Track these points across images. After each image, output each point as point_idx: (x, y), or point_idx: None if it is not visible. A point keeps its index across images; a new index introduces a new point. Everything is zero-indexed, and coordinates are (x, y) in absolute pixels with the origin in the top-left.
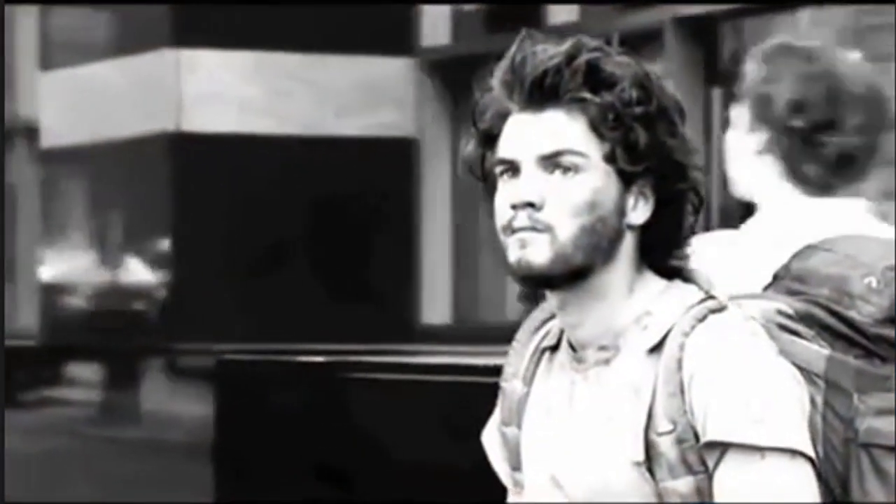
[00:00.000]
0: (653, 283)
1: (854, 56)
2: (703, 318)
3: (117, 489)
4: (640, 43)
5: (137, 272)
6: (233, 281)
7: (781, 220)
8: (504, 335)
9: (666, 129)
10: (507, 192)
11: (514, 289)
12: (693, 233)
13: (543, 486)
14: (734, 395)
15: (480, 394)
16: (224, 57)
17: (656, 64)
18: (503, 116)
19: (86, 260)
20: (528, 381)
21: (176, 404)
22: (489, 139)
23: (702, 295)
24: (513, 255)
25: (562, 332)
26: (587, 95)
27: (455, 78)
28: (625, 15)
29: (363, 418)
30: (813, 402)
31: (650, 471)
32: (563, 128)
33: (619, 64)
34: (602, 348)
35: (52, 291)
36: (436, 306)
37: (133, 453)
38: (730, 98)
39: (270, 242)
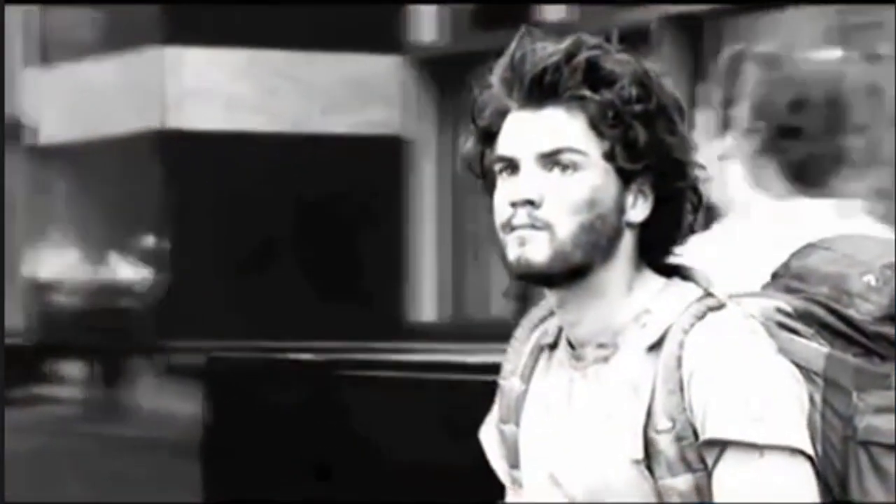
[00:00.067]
0: (652, 281)
1: (819, 57)
2: (702, 316)
3: (107, 487)
4: (628, 41)
5: (126, 270)
6: (221, 278)
7: (761, 222)
8: (491, 332)
9: (665, 127)
10: (506, 190)
11: (500, 286)
12: (692, 231)
13: (542, 484)
14: (733, 393)
15: (471, 391)
16: (212, 55)
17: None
18: (502, 114)
19: (75, 258)
20: (527, 378)
21: (165, 402)
22: (488, 137)
23: (701, 293)
24: (512, 252)
25: (560, 330)
26: (587, 93)
27: (443, 76)
28: (614, 13)
29: (354, 416)
30: (812, 400)
31: (649, 469)
32: (562, 126)
33: (618, 62)
34: (601, 346)
35: (40, 289)
36: (423, 303)
37: (123, 451)
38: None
39: (259, 240)
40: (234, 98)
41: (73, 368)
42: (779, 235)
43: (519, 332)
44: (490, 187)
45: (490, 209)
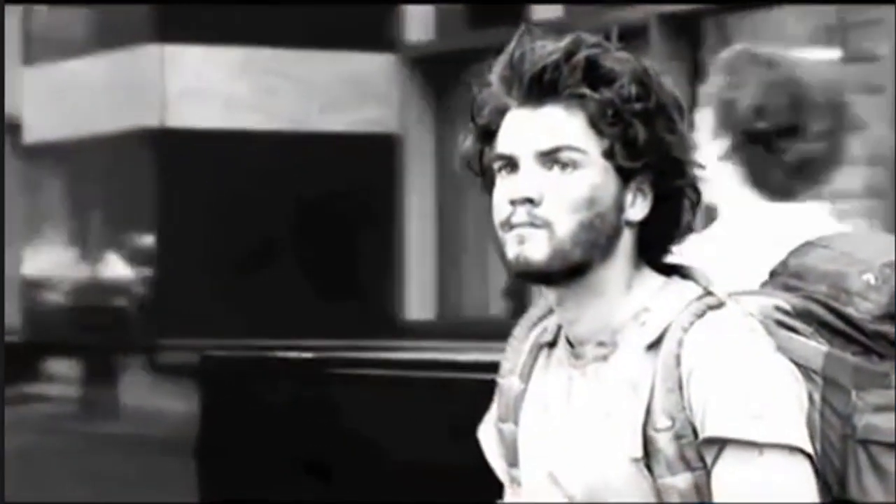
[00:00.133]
0: (651, 279)
1: (816, 60)
2: (701, 315)
3: (100, 487)
4: (623, 40)
5: (121, 269)
6: (217, 277)
7: (743, 224)
8: (487, 331)
9: (665, 126)
10: (505, 188)
11: (497, 285)
12: (691, 229)
13: (541, 482)
14: (733, 391)
15: (468, 390)
16: (208, 52)
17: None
18: (501, 112)
19: (69, 256)
20: (526, 377)
21: (160, 401)
22: (487, 134)
23: (700, 291)
24: (511, 250)
25: (559, 329)
26: (586, 91)
27: (439, 74)
28: (609, 12)
29: (349, 415)
30: (811, 398)
31: (648, 467)
32: (561, 124)
33: (618, 60)
34: (600, 344)
35: (34, 288)
36: (419, 302)
37: (115, 450)
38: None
39: (254, 238)
40: (231, 96)
41: (63, 367)
42: (772, 236)
43: (518, 331)
44: (489, 185)
45: (489, 207)
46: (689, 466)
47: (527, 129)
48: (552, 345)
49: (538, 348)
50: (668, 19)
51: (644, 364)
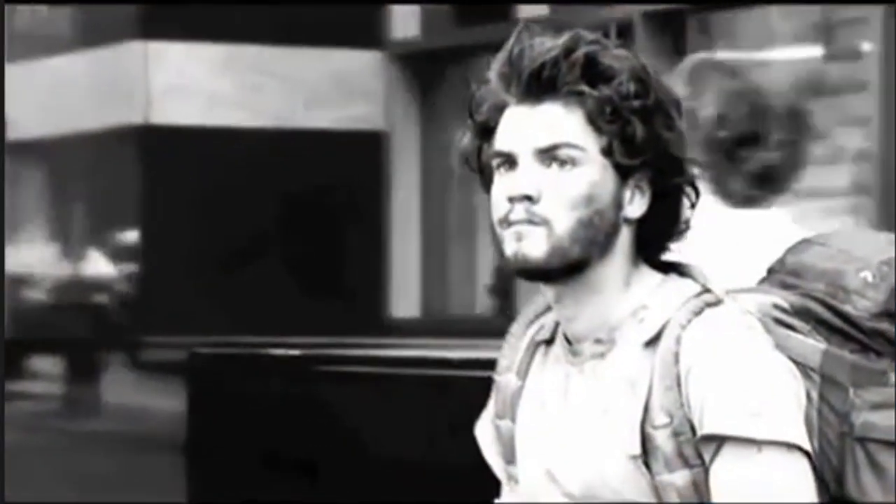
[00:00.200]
0: (649, 276)
1: (785, 62)
2: (699, 312)
3: (84, 486)
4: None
5: (106, 266)
6: (201, 274)
7: (705, 231)
8: (472, 328)
9: (663, 123)
10: (503, 185)
11: (482, 282)
12: (689, 227)
13: (538, 479)
14: (731, 388)
15: (456, 387)
16: (192, 50)
17: None
18: (500, 109)
19: (53, 253)
20: (523, 374)
21: (145, 398)
22: (486, 131)
23: (698, 289)
24: (509, 248)
25: (556, 326)
26: (585, 88)
27: (424, 71)
28: (592, 10)
29: (336, 412)
30: (808, 396)
31: (646, 464)
32: (560, 121)
33: (616, 57)
34: (598, 342)
35: (17, 285)
36: (404, 299)
37: (103, 449)
38: None
39: (239, 236)
40: (215, 93)
41: (47, 364)
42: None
43: (515, 328)
44: (487, 183)
45: (474, 204)
46: (687, 464)
47: (525, 126)
48: (549, 342)
49: (535, 345)
50: (652, 17)
51: (642, 361)
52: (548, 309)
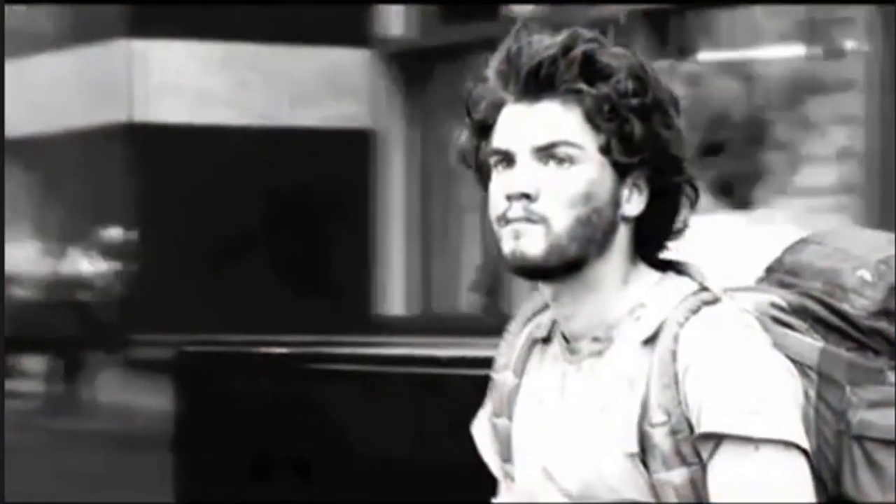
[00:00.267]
0: (647, 275)
1: (731, 81)
2: (697, 310)
3: (72, 485)
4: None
5: (94, 264)
6: (190, 272)
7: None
8: (457, 326)
9: (661, 121)
10: (501, 183)
11: (467, 280)
12: (687, 226)
13: (535, 477)
14: (729, 386)
15: (445, 385)
16: (180, 48)
17: None
18: (498, 107)
19: (40, 252)
20: (520, 372)
21: (134, 397)
22: (484, 129)
23: (696, 287)
24: (507, 246)
25: (553, 324)
26: (583, 86)
27: (413, 69)
28: (581, 8)
29: (325, 411)
30: (806, 394)
31: (643, 462)
32: (558, 119)
33: (614, 55)
34: (595, 340)
35: (6, 283)
36: (390, 297)
37: (85, 446)
38: None
39: (227, 234)
40: (204, 91)
41: (35, 363)
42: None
43: (512, 326)
44: (485, 181)
45: (463, 202)
46: (684, 462)
47: (523, 124)
48: (547, 340)
49: (532, 343)
50: (640, 16)
51: (639, 359)
52: (545, 307)
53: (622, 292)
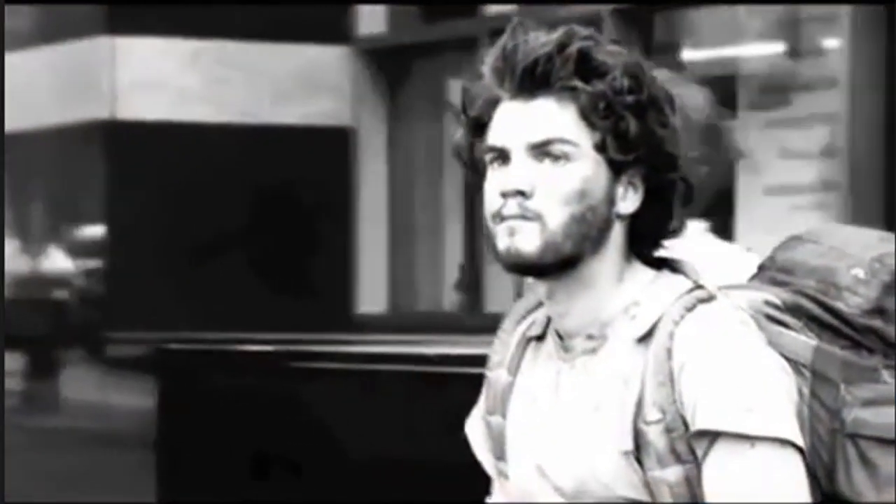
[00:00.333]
0: (641, 272)
1: (695, 86)
2: (692, 308)
3: (50, 484)
4: None
5: (72, 262)
6: (169, 270)
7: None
8: (440, 324)
9: (656, 119)
10: (496, 180)
11: (450, 278)
12: (683, 224)
13: (529, 475)
14: (724, 384)
15: (431, 383)
16: (159, 44)
17: None
18: (493, 104)
19: (18, 249)
20: (514, 370)
21: (113, 396)
22: (479, 126)
23: (690, 285)
24: (501, 243)
25: (548, 322)
26: (578, 84)
27: (392, 67)
28: (562, 5)
29: (310, 408)
30: (800, 392)
31: (638, 460)
32: (553, 116)
33: (610, 53)
34: (589, 337)
35: None
36: (371, 295)
37: (71, 446)
38: None
39: (205, 231)
40: (182, 88)
41: (12, 361)
42: None
43: (506, 324)
44: (479, 178)
45: (452, 200)
46: (679, 459)
47: (518, 122)
48: (541, 338)
49: (526, 341)
50: (621, 14)
51: (634, 357)
52: (539, 305)
53: (617, 290)
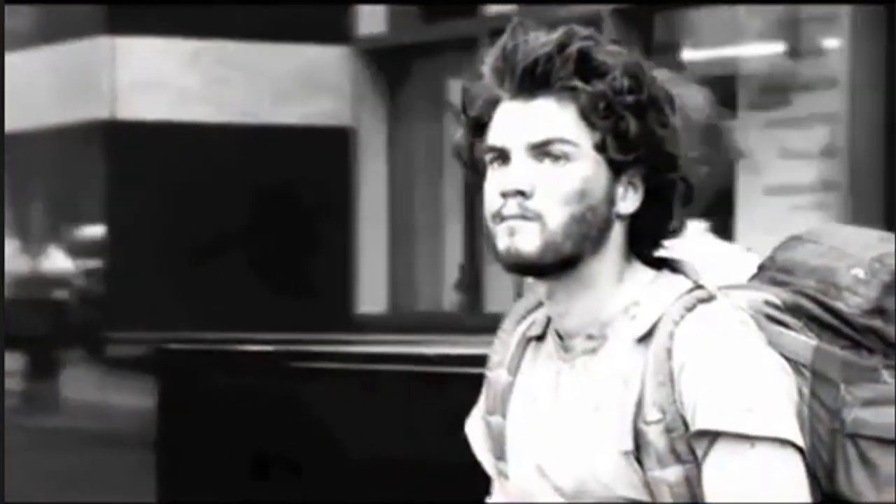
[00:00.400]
0: (641, 272)
1: (694, 85)
2: (692, 308)
3: (50, 484)
4: None
5: (72, 262)
6: (169, 270)
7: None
8: (440, 324)
9: (656, 119)
10: (496, 180)
11: (450, 278)
12: (683, 224)
13: (529, 475)
14: (724, 384)
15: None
16: (159, 44)
17: None
18: (493, 104)
19: (18, 249)
20: (514, 370)
21: (113, 395)
22: (479, 127)
23: (690, 285)
24: (501, 242)
25: (548, 322)
26: (578, 84)
27: (391, 67)
28: (562, 6)
29: (310, 409)
30: (800, 392)
31: (638, 460)
32: (553, 116)
33: (610, 53)
34: (589, 337)
35: None
36: (371, 295)
37: (72, 446)
38: None
39: (206, 231)
40: (182, 89)
41: (12, 361)
42: None
43: (506, 324)
44: (480, 178)
45: (452, 200)
46: (679, 459)
47: (519, 122)
48: (541, 338)
49: (526, 342)
50: (621, 14)
51: (634, 357)
52: (539, 305)
53: (617, 290)
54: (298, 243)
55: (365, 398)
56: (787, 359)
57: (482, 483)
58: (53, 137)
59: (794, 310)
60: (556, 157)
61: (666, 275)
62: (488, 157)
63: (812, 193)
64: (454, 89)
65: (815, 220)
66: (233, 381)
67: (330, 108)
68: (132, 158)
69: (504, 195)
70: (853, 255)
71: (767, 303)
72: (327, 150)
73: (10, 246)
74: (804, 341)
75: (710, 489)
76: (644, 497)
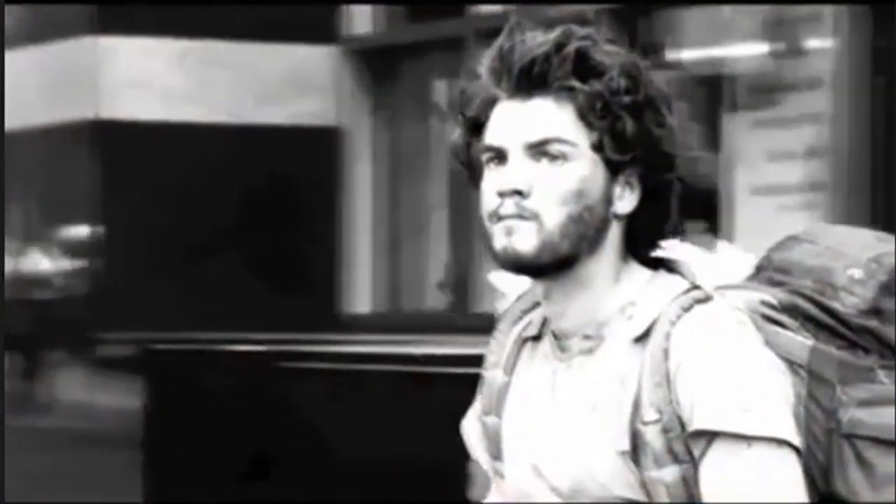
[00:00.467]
0: (638, 272)
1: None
2: (689, 308)
3: (39, 485)
4: None
5: (61, 262)
6: (157, 270)
7: None
8: (427, 324)
9: (653, 119)
10: (493, 180)
11: (435, 278)
12: (681, 224)
13: (525, 475)
14: (721, 384)
15: (420, 383)
16: (145, 44)
17: None
18: (491, 104)
19: (7, 249)
20: (510, 370)
21: (103, 396)
22: (476, 126)
23: (687, 285)
24: (498, 242)
25: (544, 322)
26: (575, 83)
27: (379, 67)
28: (550, 6)
29: (296, 408)
30: (796, 392)
31: (635, 460)
32: (550, 116)
33: (607, 53)
34: (586, 338)
35: None
36: (357, 295)
37: (59, 446)
38: None
39: (195, 231)
40: (169, 88)
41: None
42: None
43: (502, 324)
44: (477, 178)
45: (438, 200)
46: (676, 460)
47: (516, 121)
48: (537, 338)
49: (523, 342)
50: (612, 14)
51: (631, 357)
52: (535, 305)
53: (613, 290)
54: (286, 243)
55: (353, 398)
56: (784, 359)
57: (467, 483)
58: (40, 137)
59: (790, 310)
60: (554, 157)
61: (663, 275)
62: (485, 156)
63: (800, 193)
64: (442, 89)
65: (802, 221)
66: (221, 380)
67: (317, 108)
68: (119, 158)
69: (501, 195)
70: (850, 255)
71: (764, 303)
72: (314, 150)
73: (9, 249)
74: (801, 341)
75: (707, 489)
76: (641, 497)
